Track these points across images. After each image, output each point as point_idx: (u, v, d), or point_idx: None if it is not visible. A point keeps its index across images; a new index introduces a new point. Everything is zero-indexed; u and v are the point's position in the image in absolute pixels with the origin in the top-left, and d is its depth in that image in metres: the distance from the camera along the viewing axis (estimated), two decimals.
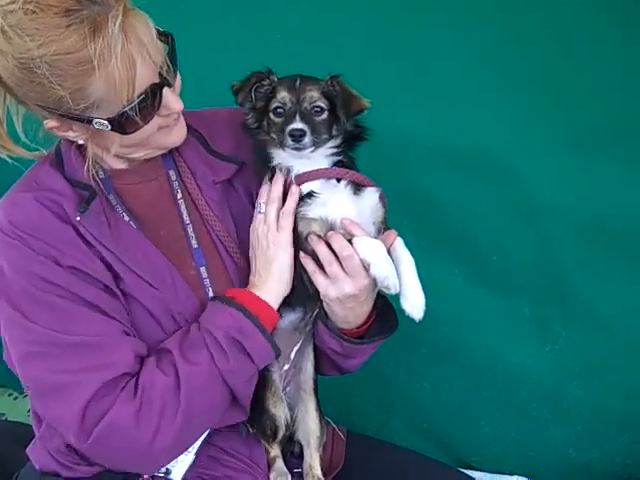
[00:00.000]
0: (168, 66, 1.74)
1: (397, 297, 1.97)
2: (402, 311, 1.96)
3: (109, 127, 1.71)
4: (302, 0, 2.71)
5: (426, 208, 2.84)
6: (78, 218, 1.80)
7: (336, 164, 2.00)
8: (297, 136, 1.88)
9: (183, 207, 2.03)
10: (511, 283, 2.86)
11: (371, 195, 2.01)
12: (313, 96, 1.95)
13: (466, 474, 2.41)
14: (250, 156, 2.07)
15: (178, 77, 1.84)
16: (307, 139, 1.90)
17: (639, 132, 2.54)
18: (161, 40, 1.75)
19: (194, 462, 2.04)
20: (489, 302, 2.92)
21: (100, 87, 1.65)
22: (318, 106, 1.96)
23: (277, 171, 2.01)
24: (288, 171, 1.99)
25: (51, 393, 1.77)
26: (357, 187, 1.99)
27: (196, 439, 1.95)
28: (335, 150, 2.00)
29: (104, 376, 1.75)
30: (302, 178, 1.98)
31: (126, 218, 1.93)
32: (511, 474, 3.13)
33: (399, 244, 1.98)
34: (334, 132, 1.99)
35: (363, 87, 2.05)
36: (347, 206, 1.97)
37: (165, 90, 1.76)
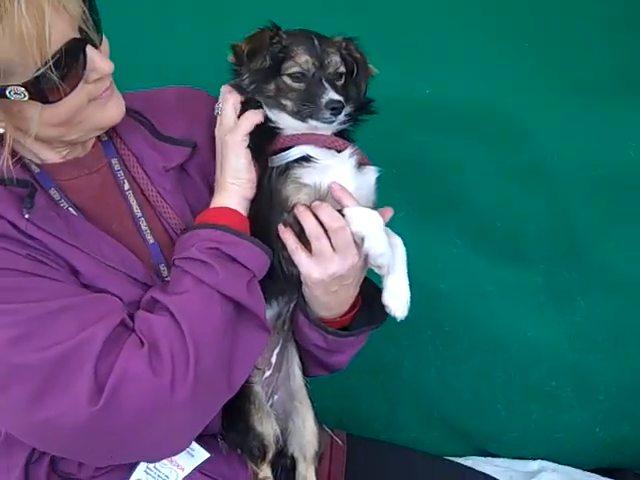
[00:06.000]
0: (87, 18, 1.51)
1: None
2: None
3: (26, 95, 1.48)
4: None
5: (419, 175, 2.69)
6: (27, 216, 1.58)
7: (336, 134, 1.83)
8: (339, 108, 1.72)
9: (132, 199, 1.83)
10: (520, 251, 2.74)
11: (372, 174, 1.84)
12: (337, 61, 1.80)
13: (477, 471, 2.27)
14: (204, 137, 1.89)
15: (105, 41, 1.62)
16: (344, 112, 1.76)
17: None
18: None
19: None
20: (497, 274, 2.79)
21: (6, 46, 1.42)
22: (340, 72, 1.81)
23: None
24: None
25: (53, 373, 1.53)
26: (358, 163, 1.83)
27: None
28: (344, 119, 1.82)
29: (105, 326, 1.56)
30: (299, 139, 1.79)
31: (74, 213, 1.72)
32: (534, 459, 3.01)
33: (390, 231, 1.81)
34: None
35: None
36: (348, 178, 1.78)
37: (90, 49, 1.54)
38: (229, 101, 1.82)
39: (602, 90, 2.46)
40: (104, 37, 1.62)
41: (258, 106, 1.80)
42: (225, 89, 1.85)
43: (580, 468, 2.94)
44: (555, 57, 2.45)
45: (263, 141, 1.80)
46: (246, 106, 1.81)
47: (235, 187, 1.77)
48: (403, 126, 2.58)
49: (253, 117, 1.79)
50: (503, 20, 2.44)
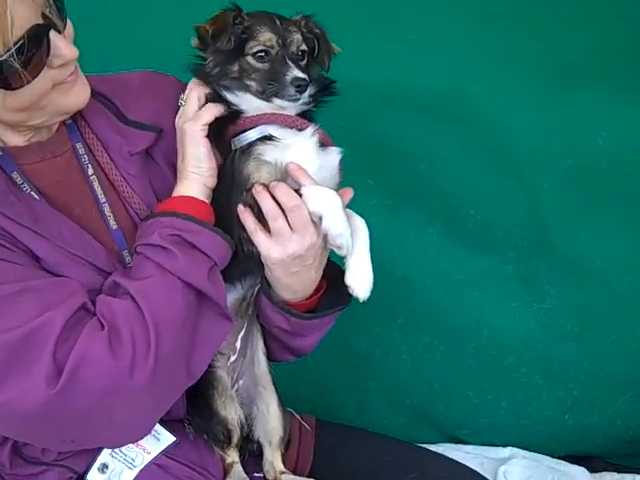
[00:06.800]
0: (51, 3, 1.50)
1: None
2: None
3: None
4: None
5: (392, 162, 2.65)
6: None
7: (298, 115, 1.82)
8: (303, 86, 1.72)
9: (96, 184, 1.82)
10: (490, 239, 2.69)
11: (335, 154, 1.83)
12: (299, 39, 1.80)
13: (447, 458, 2.26)
14: (170, 122, 1.87)
15: (69, 24, 1.60)
16: (308, 90, 1.74)
17: (622, 63, 2.44)
18: None
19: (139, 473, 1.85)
20: (468, 261, 2.75)
21: None
22: (303, 50, 1.81)
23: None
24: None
25: (12, 355, 1.52)
26: (321, 143, 1.82)
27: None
28: (307, 99, 1.81)
29: (66, 309, 1.55)
30: (260, 119, 1.77)
31: (36, 197, 1.71)
32: (504, 445, 3.00)
33: (352, 212, 1.81)
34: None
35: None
36: (310, 157, 1.77)
37: (53, 34, 1.52)
38: (194, 93, 1.81)
39: (572, 79, 2.43)
40: (69, 22, 1.59)
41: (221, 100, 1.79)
42: (193, 82, 1.85)
43: (550, 455, 2.93)
44: (525, 44, 2.42)
45: (225, 125, 1.78)
46: (210, 100, 1.79)
47: (196, 176, 1.77)
48: (376, 113, 2.55)
49: (214, 109, 1.78)
50: (472, 5, 2.41)
